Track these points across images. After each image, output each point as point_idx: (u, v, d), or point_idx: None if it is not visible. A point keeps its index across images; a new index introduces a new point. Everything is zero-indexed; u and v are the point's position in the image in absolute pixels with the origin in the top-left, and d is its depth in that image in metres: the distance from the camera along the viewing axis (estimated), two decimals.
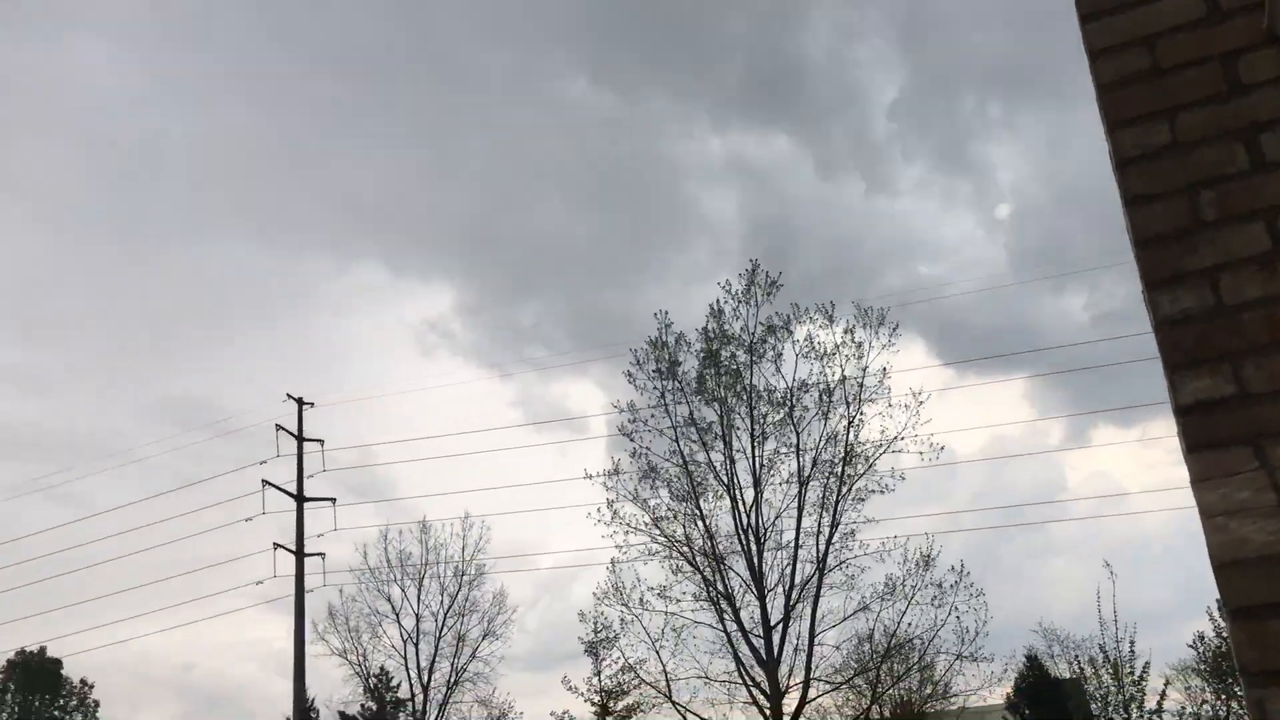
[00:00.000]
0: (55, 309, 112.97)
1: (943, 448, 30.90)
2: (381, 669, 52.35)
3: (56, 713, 31.38)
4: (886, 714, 35.80)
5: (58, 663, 36.68)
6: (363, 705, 52.45)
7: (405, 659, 51.66)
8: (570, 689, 45.84)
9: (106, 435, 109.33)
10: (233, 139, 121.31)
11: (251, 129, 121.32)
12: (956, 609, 30.11)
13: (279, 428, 57.47)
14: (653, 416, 31.58)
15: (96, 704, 39.29)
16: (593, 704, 46.46)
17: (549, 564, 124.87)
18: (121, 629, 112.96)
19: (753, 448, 31.24)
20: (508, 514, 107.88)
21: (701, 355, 31.71)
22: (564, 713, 46.76)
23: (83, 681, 41.76)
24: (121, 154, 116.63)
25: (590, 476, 31.80)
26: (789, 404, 31.09)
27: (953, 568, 30.44)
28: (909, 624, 30.58)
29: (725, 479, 31.28)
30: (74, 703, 37.25)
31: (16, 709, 31.87)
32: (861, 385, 30.80)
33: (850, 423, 30.86)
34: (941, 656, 31.09)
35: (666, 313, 31.77)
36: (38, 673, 36.51)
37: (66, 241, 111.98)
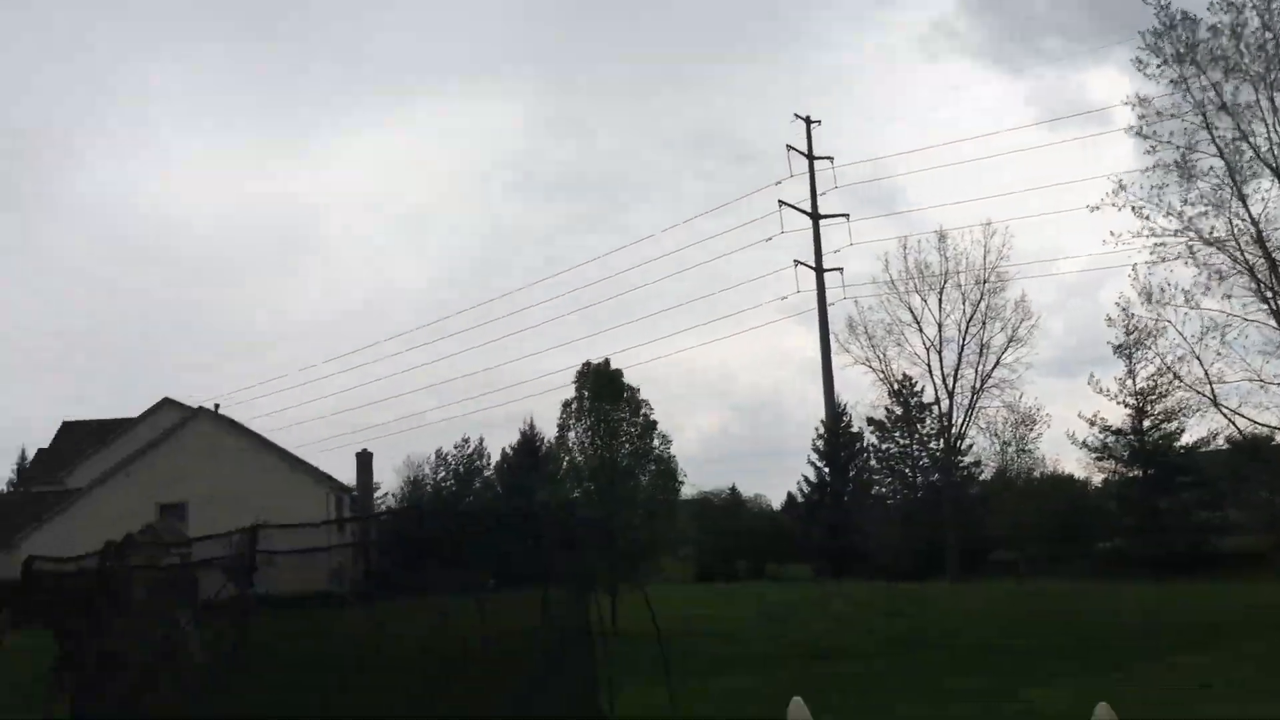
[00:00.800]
0: (580, 59, 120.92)
1: None
2: (905, 376, 53.78)
3: (622, 414, 35.82)
4: None
5: (618, 372, 41.51)
6: (887, 409, 54.56)
7: (929, 366, 52.56)
8: (1101, 391, 44.39)
9: (639, 169, 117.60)
10: None
11: None
12: None
13: (789, 148, 58.73)
14: (1174, 103, 28.02)
15: (652, 407, 44.29)
16: (1126, 406, 44.78)
17: (1072, 268, 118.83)
18: (669, 343, 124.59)
19: None
20: (1028, 218, 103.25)
21: (1231, 25, 27.33)
22: (1095, 414, 45.55)
23: (637, 389, 47.19)
24: None
25: (1098, 205, 29.14)
26: None
27: None
28: None
29: (1273, 162, 27.41)
30: (633, 406, 42.21)
31: (590, 411, 36.65)
32: None
33: None
34: None
35: None
36: (602, 381, 41.64)
37: None
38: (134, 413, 47.76)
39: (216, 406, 45.27)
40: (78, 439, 47.86)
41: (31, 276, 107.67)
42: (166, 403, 47.00)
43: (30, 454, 59.01)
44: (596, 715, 6.79)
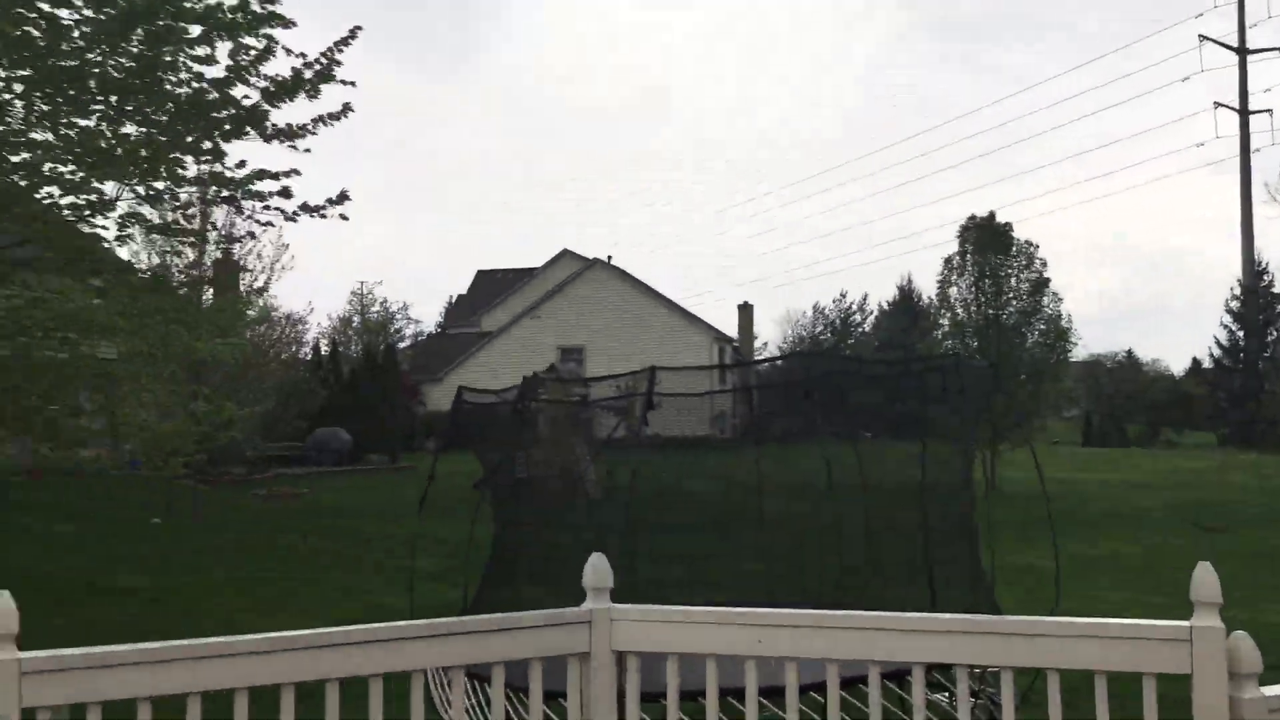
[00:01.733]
0: None
1: None
2: None
3: (1006, 271, 34.48)
4: None
5: (1007, 225, 39.68)
6: None
7: None
8: None
9: (1030, 5, 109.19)
10: None
11: None
12: None
13: None
14: None
15: (1044, 263, 42.08)
16: None
17: None
18: (1062, 196, 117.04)
19: None
20: None
21: None
22: None
23: (1028, 242, 44.94)
24: None
25: None
26: None
27: None
28: None
29: None
30: (1023, 261, 40.35)
31: (974, 266, 35.57)
32: None
33: None
34: None
35: None
36: (989, 235, 40.00)
37: None
38: (538, 263, 51.44)
39: (609, 258, 47.76)
40: (490, 286, 52.37)
41: (449, 137, 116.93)
42: (566, 254, 50.15)
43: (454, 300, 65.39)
44: (976, 567, 6.84)
